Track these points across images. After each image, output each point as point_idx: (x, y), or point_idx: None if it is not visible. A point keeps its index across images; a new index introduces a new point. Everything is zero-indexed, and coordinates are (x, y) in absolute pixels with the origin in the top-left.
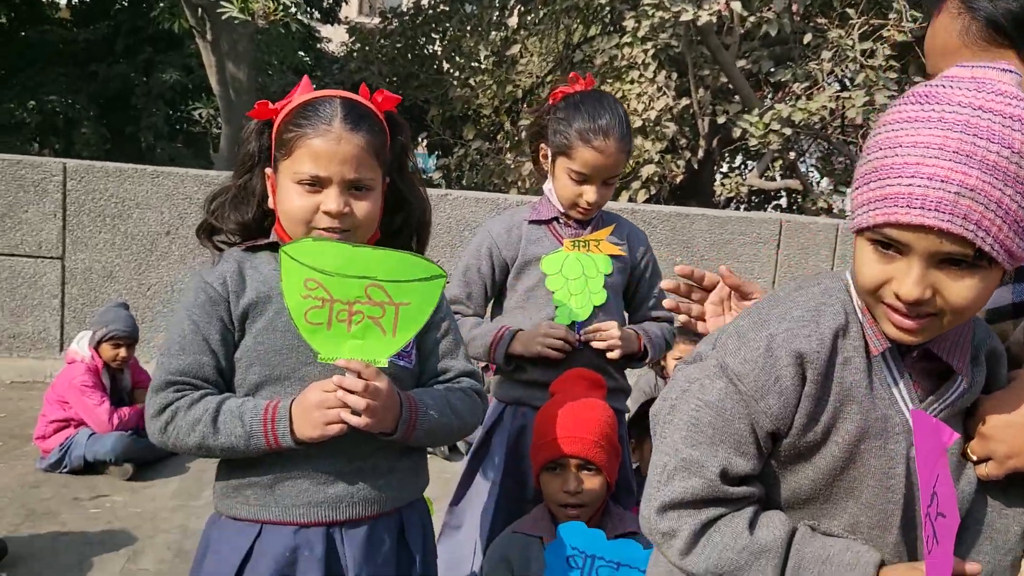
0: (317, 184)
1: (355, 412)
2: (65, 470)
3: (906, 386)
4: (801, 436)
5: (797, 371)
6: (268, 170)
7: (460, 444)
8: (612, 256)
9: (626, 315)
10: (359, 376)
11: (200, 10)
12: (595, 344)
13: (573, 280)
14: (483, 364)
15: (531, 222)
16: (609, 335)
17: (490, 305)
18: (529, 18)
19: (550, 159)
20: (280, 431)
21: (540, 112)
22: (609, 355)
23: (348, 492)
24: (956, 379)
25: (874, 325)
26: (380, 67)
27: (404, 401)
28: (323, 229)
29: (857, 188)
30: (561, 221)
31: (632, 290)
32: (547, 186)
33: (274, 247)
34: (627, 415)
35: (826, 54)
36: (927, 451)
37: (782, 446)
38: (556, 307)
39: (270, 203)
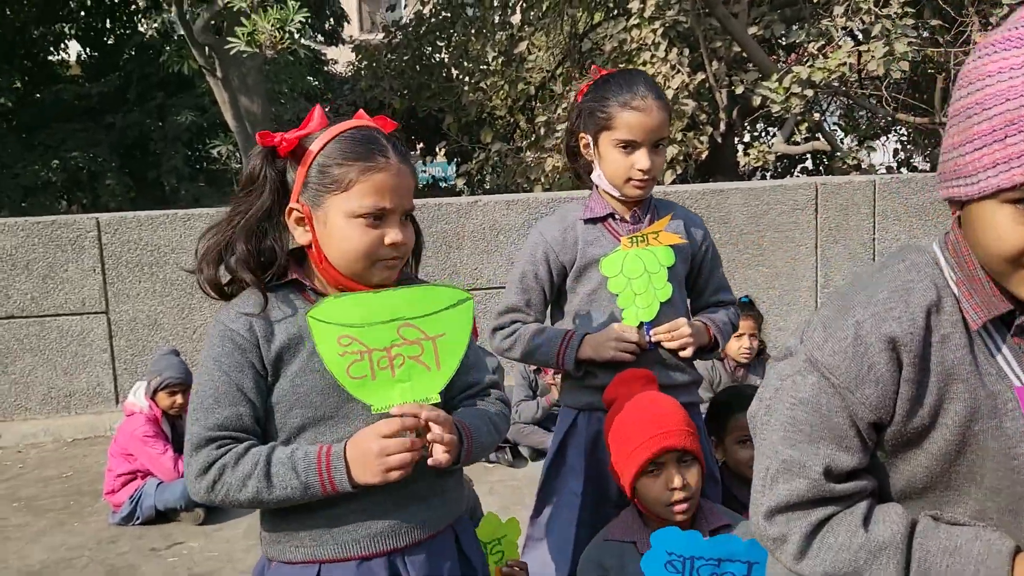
0: (379, 217)
1: (422, 448)
2: (138, 522)
3: (1015, 357)
4: (906, 422)
5: (891, 356)
6: (295, 205)
7: (523, 450)
8: (673, 246)
9: (688, 301)
10: (416, 417)
11: (207, 49)
12: (667, 345)
13: (636, 279)
14: (535, 368)
15: (586, 221)
16: (680, 334)
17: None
18: (532, 13)
19: (592, 144)
20: (337, 478)
21: (569, 113)
22: (682, 354)
23: (405, 518)
24: None
25: (970, 298)
26: (390, 82)
27: (461, 429)
28: (385, 260)
29: (978, 148)
30: (617, 217)
31: (694, 276)
32: (595, 174)
33: (294, 284)
34: (701, 404)
35: (838, 9)
36: None
37: (887, 435)
38: (622, 310)
39: (299, 239)
